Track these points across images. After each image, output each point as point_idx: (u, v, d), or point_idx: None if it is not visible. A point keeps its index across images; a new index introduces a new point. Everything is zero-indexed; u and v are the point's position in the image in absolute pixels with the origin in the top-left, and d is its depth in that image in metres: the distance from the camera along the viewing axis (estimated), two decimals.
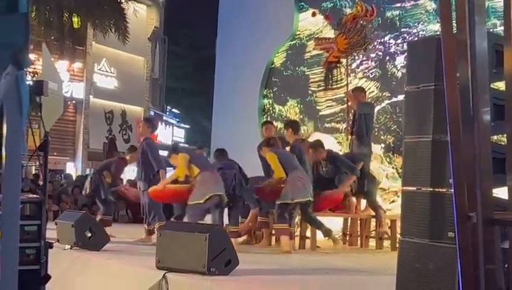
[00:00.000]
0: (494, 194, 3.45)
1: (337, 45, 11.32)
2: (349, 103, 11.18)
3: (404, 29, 11.80)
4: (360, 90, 11.03)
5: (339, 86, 12.63)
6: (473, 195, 3.19)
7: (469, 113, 3.24)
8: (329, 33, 12.80)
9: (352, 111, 10.93)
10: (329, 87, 12.54)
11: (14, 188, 2.08)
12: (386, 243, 10.39)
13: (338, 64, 11.92)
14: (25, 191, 10.11)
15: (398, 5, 11.87)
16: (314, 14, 13.03)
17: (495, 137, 4.58)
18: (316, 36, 12.76)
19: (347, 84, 11.63)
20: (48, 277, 4.97)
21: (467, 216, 3.20)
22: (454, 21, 3.40)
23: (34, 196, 5.55)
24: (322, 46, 11.97)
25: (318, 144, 10.41)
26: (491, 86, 4.31)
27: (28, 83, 2.37)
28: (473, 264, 3.16)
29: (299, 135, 10.68)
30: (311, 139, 13.15)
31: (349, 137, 11.05)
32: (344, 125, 11.84)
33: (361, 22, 11.13)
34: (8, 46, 2.15)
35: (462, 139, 3.29)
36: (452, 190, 3.35)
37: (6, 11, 2.20)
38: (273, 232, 9.98)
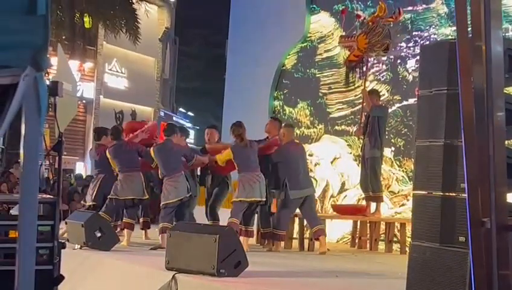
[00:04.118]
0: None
1: (358, 44, 11.21)
2: (364, 104, 11.11)
3: (416, 33, 11.75)
4: (375, 93, 10.98)
5: (349, 88, 12.59)
6: (486, 200, 3.19)
7: (483, 117, 3.23)
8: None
9: (366, 113, 10.88)
10: (349, 84, 12.41)
11: (32, 188, 2.10)
12: (396, 247, 10.37)
13: (360, 64, 11.78)
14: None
15: (410, 8, 11.82)
16: (344, 11, 12.85)
17: (506, 142, 4.56)
18: (341, 34, 12.59)
19: (364, 85, 11.53)
20: (61, 278, 4.98)
21: (481, 221, 3.19)
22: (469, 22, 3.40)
23: (48, 196, 5.55)
24: (345, 44, 11.82)
25: None
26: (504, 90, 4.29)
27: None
28: (486, 270, 3.15)
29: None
30: (321, 142, 13.19)
31: (361, 138, 11.01)
32: (355, 128, 11.76)
33: (382, 23, 11.00)
34: (27, 47, 2.16)
35: (476, 143, 3.29)
36: (465, 195, 3.34)
37: (26, 12, 2.21)
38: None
